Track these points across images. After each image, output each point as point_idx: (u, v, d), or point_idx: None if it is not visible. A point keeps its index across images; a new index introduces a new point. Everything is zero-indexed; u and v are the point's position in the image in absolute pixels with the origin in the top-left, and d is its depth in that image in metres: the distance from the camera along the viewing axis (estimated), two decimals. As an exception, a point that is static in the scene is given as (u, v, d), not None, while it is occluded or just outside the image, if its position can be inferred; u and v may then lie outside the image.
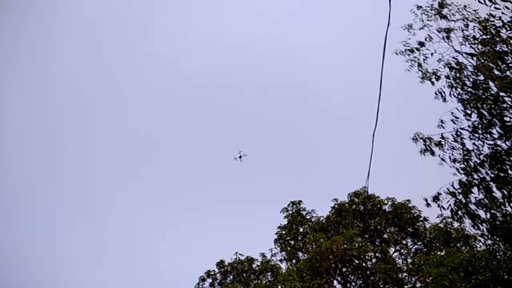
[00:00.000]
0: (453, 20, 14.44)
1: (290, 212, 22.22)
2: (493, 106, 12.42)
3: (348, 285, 17.76)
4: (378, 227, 20.58)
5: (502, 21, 12.21)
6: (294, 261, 20.66)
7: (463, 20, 14.27)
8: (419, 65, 15.05)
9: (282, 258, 21.63)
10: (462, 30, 14.27)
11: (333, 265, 16.71)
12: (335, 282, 17.45)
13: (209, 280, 22.80)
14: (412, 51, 15.09)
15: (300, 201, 22.54)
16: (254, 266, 22.76)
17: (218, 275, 22.88)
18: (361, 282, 17.64)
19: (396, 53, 15.13)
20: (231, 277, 22.49)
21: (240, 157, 35.83)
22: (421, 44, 14.96)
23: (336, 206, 21.66)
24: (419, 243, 20.27)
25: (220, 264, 23.12)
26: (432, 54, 14.82)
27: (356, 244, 17.17)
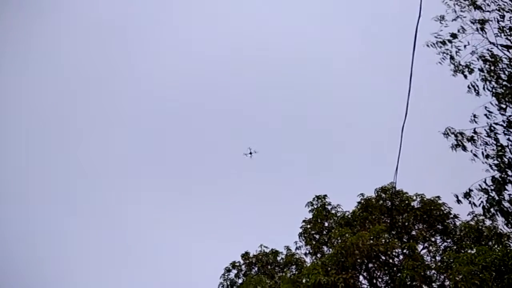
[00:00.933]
0: (488, 11, 13.91)
1: (315, 206, 22.14)
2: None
3: (374, 281, 17.59)
4: (406, 223, 20.21)
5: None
6: (319, 255, 20.65)
7: (498, 10, 13.73)
8: (452, 57, 14.61)
9: (307, 251, 21.66)
10: (498, 21, 13.74)
11: (359, 261, 16.56)
12: (361, 278, 17.31)
13: (234, 271, 23.17)
14: (444, 43, 14.66)
15: (325, 195, 22.41)
16: (278, 258, 22.96)
17: (243, 266, 23.21)
18: (387, 278, 17.43)
19: (428, 45, 14.74)
20: (256, 268, 22.75)
21: (251, 153, 36.74)
22: (454, 36, 14.50)
23: (362, 201, 21.42)
24: (448, 241, 19.77)
25: (245, 255, 23.43)
26: (465, 46, 14.37)
27: (383, 240, 16.92)
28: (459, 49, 14.47)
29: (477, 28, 14.02)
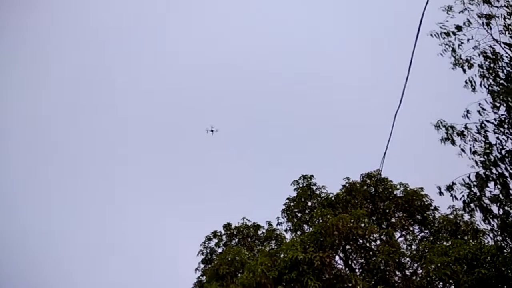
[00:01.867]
0: (496, 6, 13.69)
1: (301, 185, 22.36)
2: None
3: (350, 262, 18.01)
4: (387, 210, 20.57)
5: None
6: (299, 232, 21.01)
7: (506, 7, 13.53)
8: (453, 50, 14.46)
9: (288, 228, 22.04)
10: (504, 18, 13.56)
11: (337, 241, 16.89)
12: (337, 258, 17.70)
13: (215, 240, 23.48)
14: (448, 34, 14.46)
15: (312, 175, 22.60)
16: (259, 232, 23.31)
17: (224, 236, 23.52)
18: (363, 261, 17.85)
19: (431, 35, 14.53)
20: (236, 240, 23.09)
21: (212, 131, 38.69)
22: (459, 28, 14.30)
23: (347, 185, 21.67)
24: (426, 231, 20.25)
25: (227, 226, 23.72)
26: (468, 40, 14.18)
27: (363, 224, 17.23)
28: (462, 43, 14.30)
29: (482, 23, 13.82)
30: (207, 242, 23.53)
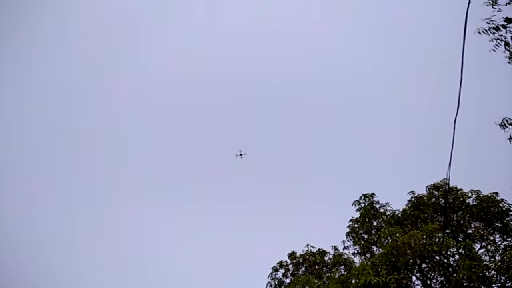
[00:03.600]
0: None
1: (363, 205, 21.63)
2: None
3: (429, 282, 16.85)
4: (461, 221, 19.20)
5: None
6: (368, 255, 20.16)
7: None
8: (506, 43, 13.62)
9: (355, 251, 21.22)
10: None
11: (411, 261, 15.95)
12: (414, 278, 16.65)
13: (282, 271, 23.15)
14: (497, 28, 13.69)
15: (373, 193, 21.85)
16: (326, 258, 22.66)
17: (290, 266, 23.14)
18: (442, 279, 16.63)
19: (479, 32, 13.83)
20: (303, 268, 22.60)
21: (241, 154, 39.35)
22: (509, 20, 13.50)
23: (413, 199, 20.64)
24: (509, 239, 18.54)
25: (292, 255, 23.36)
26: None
27: (437, 239, 16.19)
28: (515, 35, 13.46)
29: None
30: (274, 274, 23.24)
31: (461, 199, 19.74)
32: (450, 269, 16.25)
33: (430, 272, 16.77)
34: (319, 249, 23.06)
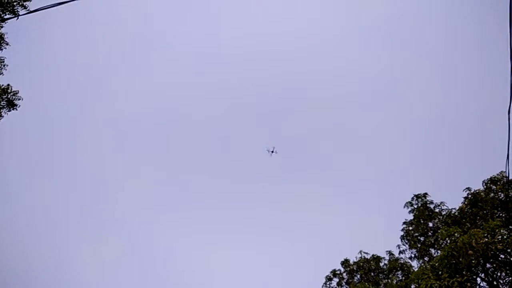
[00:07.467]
0: None
1: (416, 207, 20.77)
2: None
3: (495, 283, 15.79)
4: (526, 216, 17.92)
5: None
6: (426, 258, 19.28)
7: None
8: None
9: (412, 255, 20.36)
10: None
11: (474, 262, 15.03)
12: (479, 280, 15.67)
13: (336, 280, 22.59)
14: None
15: (426, 193, 20.93)
16: (381, 264, 21.89)
17: (344, 274, 22.55)
18: (510, 279, 15.52)
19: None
20: (358, 276, 21.94)
21: (272, 151, 40.85)
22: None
23: (469, 196, 19.54)
24: None
25: (345, 263, 22.77)
26: None
27: (500, 237, 15.18)
28: None
29: None
30: (328, 283, 22.73)
31: (524, 192, 18.49)
32: (518, 268, 15.16)
33: (495, 273, 15.72)
34: (373, 255, 22.33)
